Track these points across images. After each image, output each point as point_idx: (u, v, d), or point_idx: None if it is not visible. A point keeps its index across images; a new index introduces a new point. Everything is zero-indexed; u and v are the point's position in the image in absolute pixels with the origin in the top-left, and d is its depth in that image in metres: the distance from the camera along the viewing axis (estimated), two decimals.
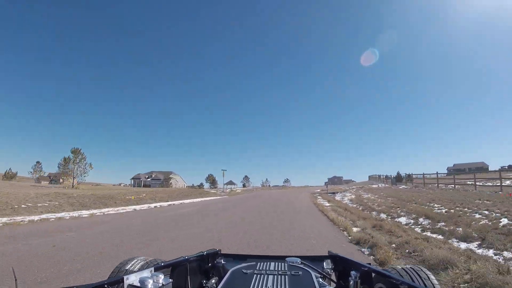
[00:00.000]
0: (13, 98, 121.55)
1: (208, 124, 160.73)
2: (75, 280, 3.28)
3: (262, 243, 5.28)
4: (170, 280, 1.20)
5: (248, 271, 1.30)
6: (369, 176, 58.45)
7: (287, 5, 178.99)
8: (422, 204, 11.37)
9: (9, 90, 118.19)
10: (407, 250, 4.59)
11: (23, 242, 5.42)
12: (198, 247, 4.05)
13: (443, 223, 7.92)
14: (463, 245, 5.71)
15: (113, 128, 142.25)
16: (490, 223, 6.77)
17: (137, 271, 1.30)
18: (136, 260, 1.56)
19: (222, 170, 39.20)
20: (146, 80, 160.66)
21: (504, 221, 6.80)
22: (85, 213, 11.02)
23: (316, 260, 1.74)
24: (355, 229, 6.48)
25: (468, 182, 23.46)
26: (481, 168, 70.51)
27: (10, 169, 53.04)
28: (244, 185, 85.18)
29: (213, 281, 1.57)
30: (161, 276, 1.14)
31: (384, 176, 43.74)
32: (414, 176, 30.19)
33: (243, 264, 1.46)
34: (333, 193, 28.61)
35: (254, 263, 1.49)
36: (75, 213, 10.69)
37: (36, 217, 9.64)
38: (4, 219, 8.92)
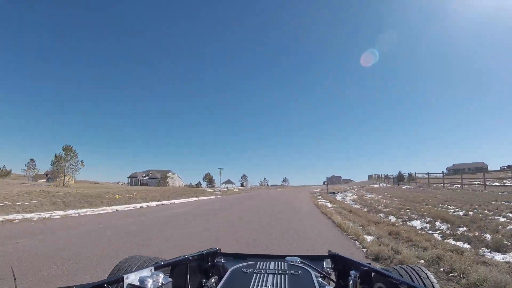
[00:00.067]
0: (13, 97, 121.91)
1: (207, 123, 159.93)
2: None
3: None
4: (170, 279, 1.17)
5: (248, 270, 1.30)
6: (369, 176, 57.85)
7: (287, 5, 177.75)
8: (434, 206, 10.36)
9: (9, 89, 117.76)
10: (442, 269, 3.54)
11: None
12: None
13: (464, 228, 6.91)
14: (498, 257, 4.69)
15: (113, 127, 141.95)
16: None
17: (137, 270, 1.26)
18: (136, 259, 1.56)
19: (218, 168, 38.21)
20: (146, 80, 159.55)
21: None
22: (60, 213, 9.93)
23: (316, 259, 1.72)
24: (368, 238, 5.40)
25: (474, 182, 22.57)
26: (481, 168, 69.93)
27: (4, 166, 51.75)
28: (242, 184, 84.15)
29: (213, 280, 1.57)
30: (161, 275, 1.12)
31: (383, 176, 42.99)
32: (415, 175, 29.39)
33: (243, 263, 1.46)
34: (334, 192, 27.61)
35: (254, 262, 1.48)
36: (47, 214, 9.60)
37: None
38: None
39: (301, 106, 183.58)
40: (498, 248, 5.02)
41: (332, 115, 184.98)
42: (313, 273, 1.28)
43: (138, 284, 1.05)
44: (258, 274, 1.23)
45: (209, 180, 71.78)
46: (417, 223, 8.04)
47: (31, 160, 68.54)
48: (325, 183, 36.57)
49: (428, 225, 7.65)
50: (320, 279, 1.28)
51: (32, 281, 3.36)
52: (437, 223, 7.74)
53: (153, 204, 14.80)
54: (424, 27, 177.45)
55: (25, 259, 4.24)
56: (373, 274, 1.26)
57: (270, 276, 1.21)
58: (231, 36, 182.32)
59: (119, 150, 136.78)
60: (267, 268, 1.36)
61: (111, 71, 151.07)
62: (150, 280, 1.05)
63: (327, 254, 1.75)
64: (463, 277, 3.16)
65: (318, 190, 38.38)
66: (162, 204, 15.00)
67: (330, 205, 14.01)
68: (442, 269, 3.54)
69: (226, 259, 1.78)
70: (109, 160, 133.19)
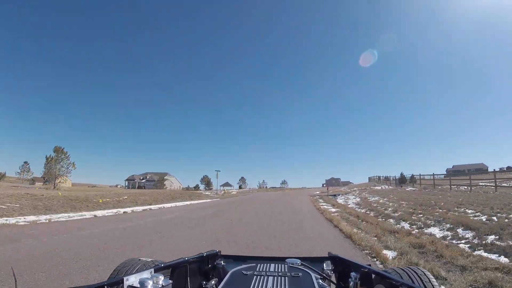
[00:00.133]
0: (11, 99, 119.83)
1: (205, 125, 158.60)
2: None
3: None
4: (170, 281, 1.16)
5: (248, 272, 1.29)
6: (369, 178, 56.99)
7: (286, 5, 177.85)
8: (449, 210, 9.39)
9: (8, 91, 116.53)
10: None
11: None
12: None
13: (494, 236, 5.94)
14: None
15: (111, 130, 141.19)
16: None
17: (137, 272, 1.26)
18: (136, 261, 1.53)
19: (215, 170, 37.18)
20: (144, 83, 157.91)
21: None
22: (30, 219, 8.88)
23: (316, 261, 1.70)
24: (389, 254, 4.36)
25: (481, 183, 21.69)
26: (481, 169, 69.31)
27: None
28: (240, 187, 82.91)
29: (213, 282, 1.58)
30: (161, 277, 1.11)
31: (384, 178, 42.07)
32: (420, 177, 28.49)
33: (243, 266, 1.44)
34: (334, 195, 26.61)
35: (254, 264, 1.47)
36: (14, 220, 8.53)
37: None
38: None
39: (299, 108, 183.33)
40: None
41: (331, 117, 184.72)
42: (313, 275, 1.27)
43: (138, 286, 1.04)
44: (258, 276, 1.23)
45: (207, 182, 70.59)
46: (435, 231, 7.06)
47: (25, 162, 67.44)
48: (325, 185, 35.61)
49: (449, 233, 6.67)
50: (320, 281, 1.28)
51: None
52: (460, 231, 6.76)
53: (140, 209, 13.69)
54: (424, 28, 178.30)
55: None
56: (373, 275, 1.25)
57: (270, 278, 1.20)
58: (229, 37, 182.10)
59: (118, 153, 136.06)
60: (267, 270, 1.35)
61: (109, 74, 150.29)
62: (150, 282, 1.04)
63: (327, 256, 1.73)
64: None
65: (318, 192, 37.38)
66: (150, 209, 13.85)
67: (333, 210, 12.99)
68: None
69: (226, 261, 1.74)
70: (108, 163, 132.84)
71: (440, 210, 9.50)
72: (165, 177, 75.18)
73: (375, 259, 4.30)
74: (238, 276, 1.26)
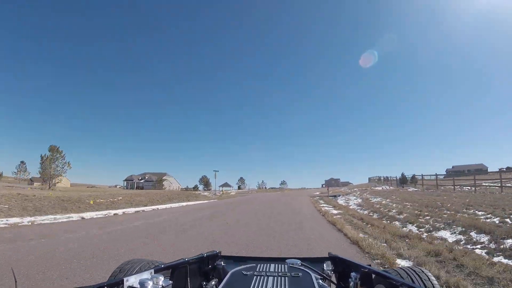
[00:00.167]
0: (10, 98, 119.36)
1: (205, 126, 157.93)
2: None
3: None
4: (170, 282, 1.17)
5: (248, 273, 1.28)
6: (369, 178, 56.53)
7: (286, 5, 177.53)
8: (457, 211, 8.89)
9: (7, 91, 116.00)
10: None
11: None
12: None
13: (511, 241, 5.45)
14: None
15: (111, 130, 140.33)
16: None
17: (137, 273, 1.24)
18: (136, 261, 1.53)
19: (214, 171, 36.68)
20: (144, 83, 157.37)
21: None
22: (12, 221, 8.37)
23: (316, 261, 1.69)
24: (403, 264, 3.83)
25: (484, 184, 21.25)
26: (480, 170, 69.01)
27: None
28: (239, 187, 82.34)
29: (213, 282, 1.58)
30: (161, 278, 1.10)
31: (383, 178, 41.60)
32: (422, 177, 28.05)
33: (243, 266, 1.43)
34: (335, 196, 26.12)
35: (254, 264, 1.46)
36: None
37: None
38: None
39: (299, 108, 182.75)
40: None
41: (331, 117, 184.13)
42: (313, 275, 1.26)
43: (138, 286, 1.03)
44: (258, 277, 1.22)
45: (205, 183, 70.10)
46: (446, 235, 6.57)
47: (22, 162, 66.90)
48: (324, 185, 35.18)
49: (462, 237, 6.18)
50: (320, 281, 1.27)
51: None
52: (473, 234, 6.27)
53: (133, 210, 13.11)
54: (424, 28, 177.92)
55: None
56: (373, 276, 1.25)
57: (270, 278, 1.20)
58: (229, 37, 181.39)
59: (118, 153, 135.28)
60: (267, 270, 1.34)
61: (109, 74, 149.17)
62: (150, 283, 1.04)
63: (327, 256, 1.71)
64: None
65: (318, 193, 36.90)
66: (143, 211, 13.25)
67: (335, 212, 12.47)
68: None
69: (226, 261, 1.73)
70: (108, 163, 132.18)
71: (448, 212, 9.00)
72: (164, 178, 74.61)
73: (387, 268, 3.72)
74: (238, 276, 1.26)
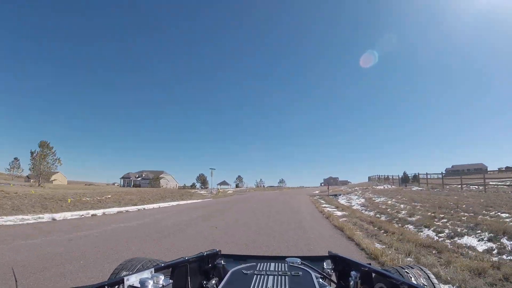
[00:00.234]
0: (10, 97, 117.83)
1: (203, 124, 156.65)
2: None
3: None
4: (170, 281, 1.15)
5: (248, 272, 1.28)
6: (369, 177, 55.90)
7: (286, 5, 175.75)
8: (477, 213, 7.98)
9: (9, 90, 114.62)
10: None
11: None
12: None
13: None
14: None
15: (108, 127, 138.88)
16: None
17: (137, 272, 1.22)
18: (136, 261, 1.53)
19: (210, 169, 35.71)
20: (141, 82, 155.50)
21: None
22: None
23: (316, 260, 1.68)
24: None
25: (491, 183, 20.51)
26: (480, 169, 68.51)
27: None
28: (237, 186, 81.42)
29: (213, 281, 1.56)
30: (161, 277, 1.09)
31: (384, 177, 40.85)
32: (422, 176, 27.32)
33: (243, 265, 1.43)
34: (335, 195, 25.22)
35: (254, 263, 1.45)
36: None
37: None
38: None
39: (299, 108, 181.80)
40: None
41: (331, 117, 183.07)
42: (313, 274, 1.26)
43: (139, 286, 1.03)
44: (259, 275, 1.22)
45: (203, 181, 69.18)
46: (473, 242, 5.63)
47: (15, 159, 65.72)
48: (323, 184, 34.33)
49: (493, 245, 5.24)
50: (320, 280, 1.26)
51: None
52: (504, 241, 5.34)
53: (115, 210, 12.03)
54: (424, 28, 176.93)
55: None
56: (373, 274, 1.24)
57: (271, 277, 1.20)
58: (229, 37, 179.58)
59: (117, 152, 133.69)
60: (267, 269, 1.34)
61: (109, 74, 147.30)
62: (151, 282, 1.04)
63: (327, 254, 1.70)
64: None
65: (317, 192, 36.01)
66: (127, 211, 12.13)
67: (339, 213, 11.52)
68: None
69: (227, 260, 1.73)
70: (107, 162, 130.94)
71: (466, 214, 8.08)
72: (161, 176, 73.64)
73: None
74: (239, 275, 1.25)
